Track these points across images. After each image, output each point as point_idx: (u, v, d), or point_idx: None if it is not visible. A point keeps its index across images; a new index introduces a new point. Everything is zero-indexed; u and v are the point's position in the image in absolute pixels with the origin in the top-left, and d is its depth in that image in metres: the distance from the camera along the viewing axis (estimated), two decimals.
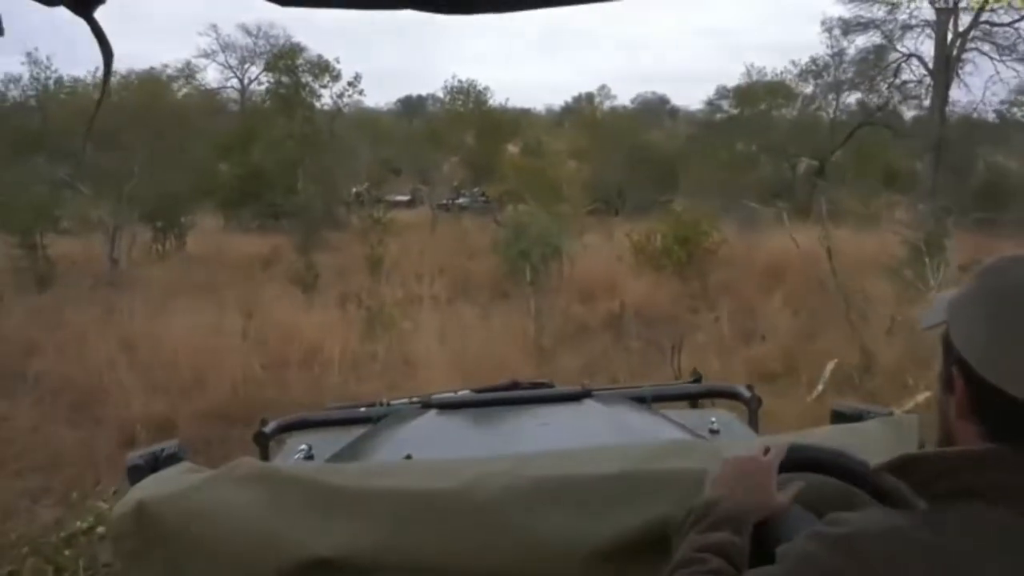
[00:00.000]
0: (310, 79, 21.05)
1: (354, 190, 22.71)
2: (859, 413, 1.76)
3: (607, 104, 36.38)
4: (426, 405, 2.37)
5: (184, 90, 29.01)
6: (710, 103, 41.77)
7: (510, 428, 2.21)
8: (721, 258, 13.59)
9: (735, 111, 38.39)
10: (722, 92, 40.74)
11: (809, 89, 26.33)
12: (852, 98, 26.13)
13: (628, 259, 13.90)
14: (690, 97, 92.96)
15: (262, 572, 1.30)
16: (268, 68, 20.87)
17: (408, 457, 1.69)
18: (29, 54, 18.70)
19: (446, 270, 14.68)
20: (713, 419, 2.32)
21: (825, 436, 1.40)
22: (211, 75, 32.05)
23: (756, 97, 29.22)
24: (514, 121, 21.38)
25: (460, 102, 20.94)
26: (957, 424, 0.90)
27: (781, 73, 28.62)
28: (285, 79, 21.07)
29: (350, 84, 21.20)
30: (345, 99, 21.50)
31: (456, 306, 11.61)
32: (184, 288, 13.80)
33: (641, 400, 2.40)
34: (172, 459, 1.69)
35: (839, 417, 1.84)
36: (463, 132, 21.75)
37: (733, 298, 11.47)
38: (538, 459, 1.42)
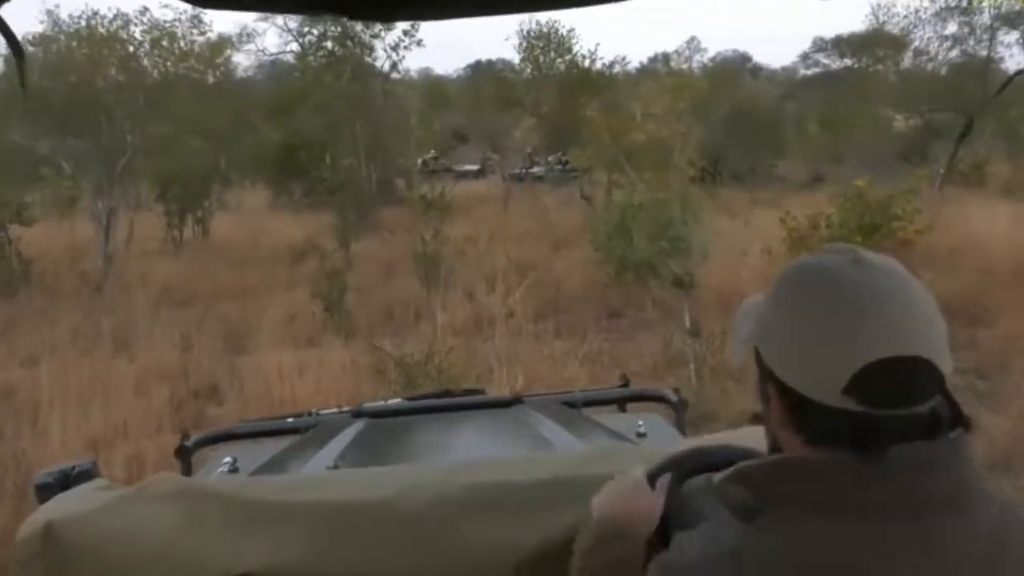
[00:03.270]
0: (360, 27, 16.66)
1: (420, 160, 18.35)
2: None
3: (696, 59, 31.08)
4: (356, 414, 2.10)
5: (236, 55, 25.32)
6: (806, 56, 36.21)
7: (441, 436, 2.02)
8: (923, 252, 8.78)
9: (837, 64, 32.88)
10: (819, 44, 35.08)
11: (951, 29, 20.56)
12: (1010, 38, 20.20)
13: (781, 252, 9.22)
14: (771, 55, 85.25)
15: None
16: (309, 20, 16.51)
17: (335, 468, 1.59)
18: None
19: (526, 268, 10.26)
20: (641, 423, 2.13)
21: (741, 436, 1.25)
22: (270, 40, 28.03)
23: (876, 44, 23.76)
24: (602, 76, 16.43)
25: (539, 50, 16.19)
26: (780, 434, 0.85)
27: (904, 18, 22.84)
28: (332, 29, 16.75)
29: (405, 33, 16.74)
30: (401, 51, 16.99)
31: (545, 337, 7.21)
32: (179, 296, 9.72)
33: (572, 405, 2.22)
34: (84, 476, 1.45)
35: (759, 419, 1.24)
36: (541, 89, 16.93)
37: (989, 328, 6.79)
38: (466, 468, 1.33)
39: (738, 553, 0.78)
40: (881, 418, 0.76)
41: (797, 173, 20.96)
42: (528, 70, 16.35)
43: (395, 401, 2.38)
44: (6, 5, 0.88)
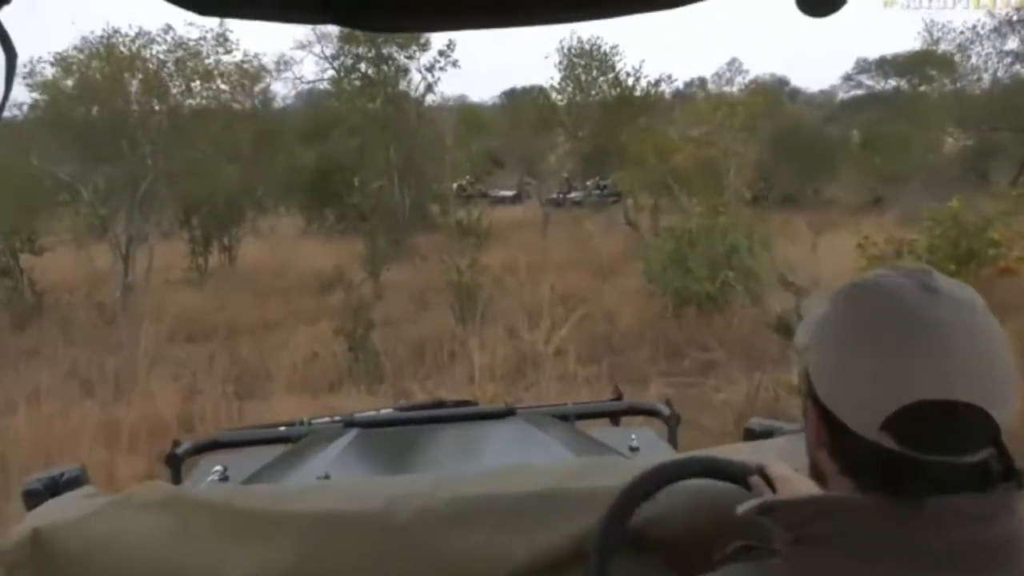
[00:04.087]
0: (395, 49, 15.89)
1: (455, 184, 17.49)
2: (770, 430, 1.57)
3: (738, 80, 29.99)
4: (348, 424, 2.05)
5: (274, 84, 24.88)
6: (848, 77, 34.92)
7: (433, 446, 1.95)
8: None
9: (882, 84, 31.56)
10: (863, 65, 33.82)
11: (1012, 44, 19.21)
12: None
13: None
14: (807, 78, 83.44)
15: None
16: (344, 40, 15.76)
17: (326, 477, 1.54)
18: None
19: (570, 300, 9.23)
20: (633, 436, 2.05)
21: (732, 453, 1.21)
22: (307, 68, 27.56)
23: (927, 63, 22.46)
24: (648, 95, 15.31)
25: (581, 68, 15.19)
26: (816, 455, 0.81)
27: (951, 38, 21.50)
28: (364, 50, 16.01)
29: (441, 54, 15.93)
30: (436, 72, 16.17)
31: (598, 384, 6.14)
32: (197, 330, 8.87)
33: (564, 418, 2.18)
34: (73, 483, 1.42)
35: (750, 435, 1.63)
36: (583, 108, 15.88)
37: None
38: (457, 479, 1.28)
39: None
40: (920, 462, 0.71)
41: (848, 195, 19.66)
42: (569, 88, 15.37)
43: (387, 411, 2.28)
44: (6, 8, 0.83)
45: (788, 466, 1.01)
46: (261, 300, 10.20)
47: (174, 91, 11.04)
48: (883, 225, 12.97)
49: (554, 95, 16.33)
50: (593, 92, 15.34)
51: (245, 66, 11.33)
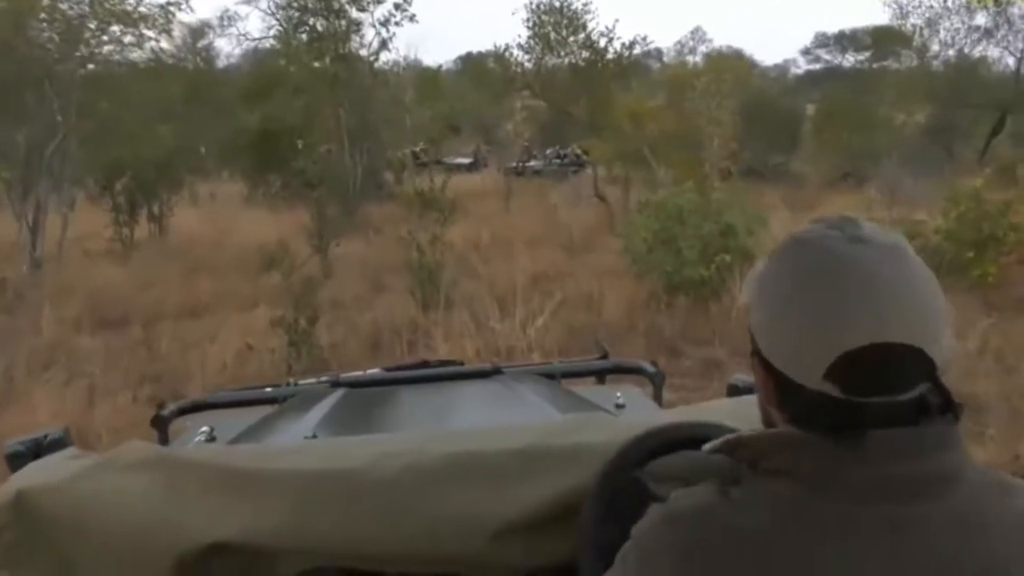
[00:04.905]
0: (346, 1, 14.34)
1: (410, 150, 16.11)
2: (751, 387, 1.31)
3: (701, 49, 29.04)
4: (334, 384, 2.03)
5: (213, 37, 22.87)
6: (807, 51, 34.30)
7: (419, 406, 1.94)
8: None
9: (840, 59, 31.01)
10: (821, 40, 33.22)
11: (982, 19, 18.58)
12: None
13: None
14: (764, 52, 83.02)
15: (157, 561, 1.10)
16: None
17: (313, 437, 1.49)
18: None
19: (544, 282, 8.16)
20: (619, 394, 2.05)
21: (716, 409, 1.28)
22: (253, 24, 25.51)
23: (891, 39, 21.77)
24: (621, 58, 13.99)
25: (550, 26, 13.83)
26: (767, 408, 0.82)
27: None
28: (313, 2, 14.45)
29: (397, 7, 14.45)
30: (392, 27, 14.68)
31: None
32: (112, 314, 7.56)
33: (550, 377, 2.15)
34: (56, 445, 1.37)
35: (734, 391, 1.67)
36: (553, 73, 14.54)
37: None
38: (443, 436, 1.26)
39: (713, 513, 0.76)
40: (861, 405, 0.73)
41: (816, 170, 18.91)
42: (538, 49, 14.10)
43: (374, 371, 2.20)
44: None
45: None
46: (193, 278, 8.87)
47: (87, 36, 9.40)
48: (863, 202, 12.20)
49: (520, 54, 14.99)
50: (563, 53, 14.08)
51: (171, 8, 9.74)
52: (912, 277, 0.74)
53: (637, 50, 14.17)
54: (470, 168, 22.22)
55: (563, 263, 9.07)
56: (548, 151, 22.44)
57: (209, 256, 10.19)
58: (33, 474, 1.21)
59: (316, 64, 15.02)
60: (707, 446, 0.84)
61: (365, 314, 7.26)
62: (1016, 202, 6.80)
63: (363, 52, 15.78)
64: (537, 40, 14.04)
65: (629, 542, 0.81)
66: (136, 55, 11.49)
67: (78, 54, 9.39)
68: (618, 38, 13.70)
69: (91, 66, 11.02)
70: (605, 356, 2.41)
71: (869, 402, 0.72)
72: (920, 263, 0.75)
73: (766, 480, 0.75)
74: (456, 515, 1.13)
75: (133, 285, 8.51)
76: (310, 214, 10.25)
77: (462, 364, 2.39)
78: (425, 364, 2.27)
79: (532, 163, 20.83)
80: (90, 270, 9.18)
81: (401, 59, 16.21)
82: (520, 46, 14.25)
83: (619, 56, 13.72)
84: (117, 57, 11.30)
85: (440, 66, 28.67)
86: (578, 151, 20.20)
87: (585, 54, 13.86)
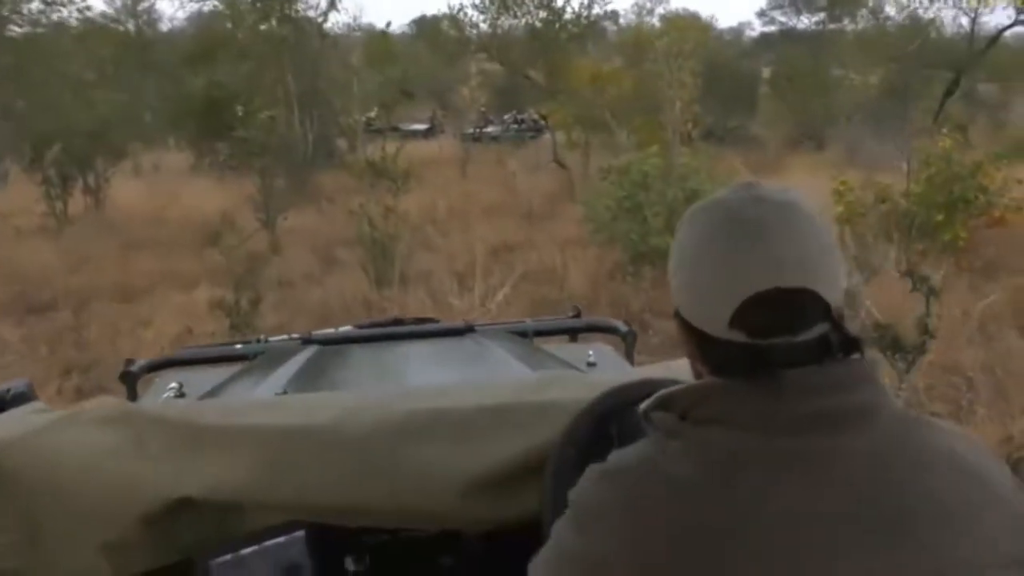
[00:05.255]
0: None
1: (363, 116, 15.39)
2: None
3: (659, 11, 28.50)
4: (306, 341, 1.99)
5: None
6: (762, 13, 34.00)
7: (391, 363, 1.90)
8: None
9: (795, 21, 30.78)
10: (776, 2, 32.92)
11: None
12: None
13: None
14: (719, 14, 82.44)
15: (123, 516, 1.09)
16: None
17: (283, 394, 1.48)
18: None
19: (504, 253, 7.78)
20: (591, 352, 2.03)
21: (686, 366, 1.08)
22: None
23: (852, 0, 21.53)
24: (579, 18, 13.40)
25: None
26: (694, 365, 0.85)
27: None
28: None
29: None
30: None
31: None
32: (39, 298, 6.98)
33: (523, 335, 2.13)
34: (20, 399, 1.31)
35: None
36: (508, 34, 13.93)
37: None
38: (413, 393, 1.28)
39: (650, 467, 0.79)
40: (765, 347, 0.77)
41: (773, 133, 18.72)
42: (493, 9, 13.47)
43: (345, 328, 2.17)
44: None
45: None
46: (130, 255, 8.26)
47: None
48: (824, 164, 12.02)
49: (475, 15, 14.33)
50: (519, 13, 13.48)
51: None
52: (804, 226, 0.77)
53: (596, 10, 13.63)
54: (426, 134, 21.56)
55: (523, 233, 8.68)
56: (505, 116, 21.88)
57: (149, 231, 9.55)
58: None
59: (262, 27, 14.25)
60: (643, 405, 0.85)
61: (314, 292, 6.81)
62: (986, 163, 6.61)
63: (311, 14, 15.05)
64: (492, 0, 13.45)
65: (568, 507, 0.82)
66: (64, 14, 10.69)
67: None
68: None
69: (15, 28, 10.21)
70: (578, 315, 2.41)
71: (772, 344, 0.75)
72: (812, 215, 0.79)
73: (699, 430, 0.78)
74: (425, 471, 1.13)
75: (64, 265, 7.88)
76: (257, 185, 9.67)
77: (436, 321, 2.36)
78: (398, 322, 2.23)
79: (489, 129, 20.27)
80: (17, 249, 8.50)
81: (351, 20, 15.45)
82: (475, 6, 13.63)
83: (577, 17, 13.22)
84: (44, 20, 10.50)
85: (389, 23, 27.66)
86: (536, 116, 19.67)
87: (543, 14, 13.34)
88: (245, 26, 14.22)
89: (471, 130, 18.64)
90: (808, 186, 7.63)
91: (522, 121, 21.25)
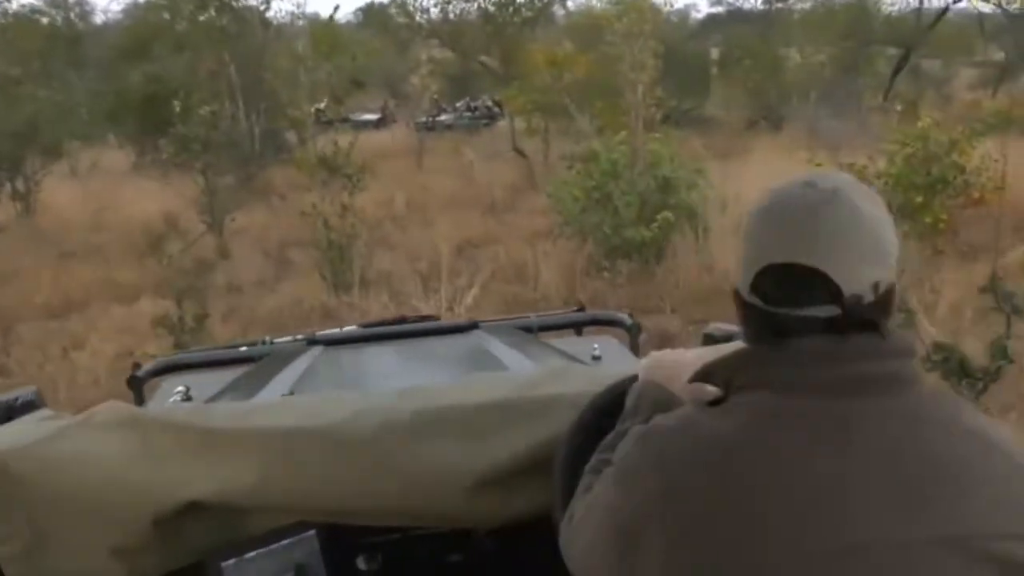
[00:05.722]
0: None
1: (312, 108, 14.67)
2: (729, 335, 1.53)
3: None
4: (310, 341, 1.99)
5: None
6: None
7: (396, 362, 1.90)
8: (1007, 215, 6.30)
9: (742, 2, 30.72)
10: None
11: None
12: None
13: None
14: None
15: (134, 521, 1.09)
16: None
17: (290, 395, 1.46)
18: None
19: (468, 249, 7.34)
20: (596, 346, 2.05)
21: None
22: None
23: None
24: (535, 3, 12.93)
25: None
26: (743, 331, 0.89)
27: None
28: None
29: None
30: None
31: None
32: None
33: (528, 330, 2.14)
34: (29, 407, 1.30)
35: (710, 340, 1.60)
36: (462, 19, 13.38)
37: None
38: (420, 391, 1.25)
39: (693, 425, 0.81)
40: (778, 315, 0.81)
41: (728, 115, 18.54)
42: None
43: (350, 328, 2.16)
44: None
45: (666, 350, 1.09)
46: (63, 266, 7.58)
47: None
48: (786, 145, 11.82)
49: (425, 0, 13.75)
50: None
51: None
52: (837, 211, 0.79)
53: None
54: (377, 125, 20.85)
55: (487, 227, 8.24)
56: (459, 104, 21.32)
57: (85, 238, 8.85)
58: (6, 435, 1.14)
59: (201, 17, 13.46)
60: (685, 379, 0.89)
61: (268, 300, 6.28)
62: (962, 141, 6.39)
63: (252, 2, 14.28)
64: None
65: (610, 467, 0.85)
66: None
67: None
68: None
69: None
70: (582, 308, 2.41)
71: (778, 312, 0.80)
72: (857, 203, 0.80)
73: (740, 394, 0.81)
74: (434, 469, 1.12)
75: None
76: (200, 185, 9.03)
77: (439, 319, 2.37)
78: (402, 320, 2.23)
79: (443, 117, 19.71)
80: None
81: (295, 8, 14.71)
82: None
83: (530, 0, 12.75)
84: None
85: (337, 7, 26.74)
86: (490, 102, 19.15)
87: None
88: (183, 16, 13.44)
89: (424, 119, 18.06)
90: (780, 170, 7.35)
91: (476, 108, 20.73)
